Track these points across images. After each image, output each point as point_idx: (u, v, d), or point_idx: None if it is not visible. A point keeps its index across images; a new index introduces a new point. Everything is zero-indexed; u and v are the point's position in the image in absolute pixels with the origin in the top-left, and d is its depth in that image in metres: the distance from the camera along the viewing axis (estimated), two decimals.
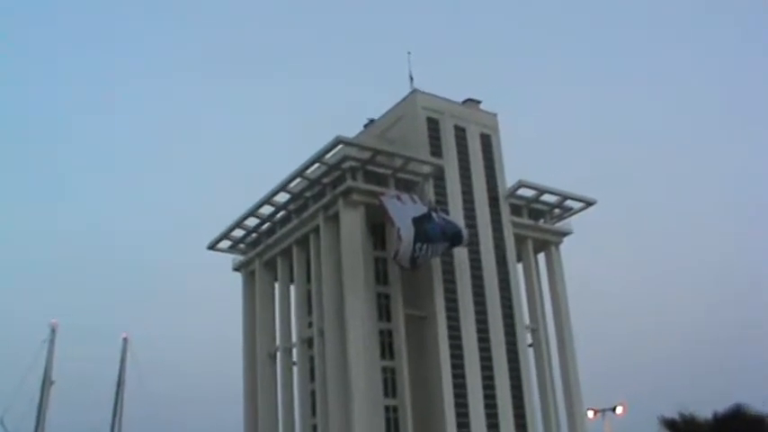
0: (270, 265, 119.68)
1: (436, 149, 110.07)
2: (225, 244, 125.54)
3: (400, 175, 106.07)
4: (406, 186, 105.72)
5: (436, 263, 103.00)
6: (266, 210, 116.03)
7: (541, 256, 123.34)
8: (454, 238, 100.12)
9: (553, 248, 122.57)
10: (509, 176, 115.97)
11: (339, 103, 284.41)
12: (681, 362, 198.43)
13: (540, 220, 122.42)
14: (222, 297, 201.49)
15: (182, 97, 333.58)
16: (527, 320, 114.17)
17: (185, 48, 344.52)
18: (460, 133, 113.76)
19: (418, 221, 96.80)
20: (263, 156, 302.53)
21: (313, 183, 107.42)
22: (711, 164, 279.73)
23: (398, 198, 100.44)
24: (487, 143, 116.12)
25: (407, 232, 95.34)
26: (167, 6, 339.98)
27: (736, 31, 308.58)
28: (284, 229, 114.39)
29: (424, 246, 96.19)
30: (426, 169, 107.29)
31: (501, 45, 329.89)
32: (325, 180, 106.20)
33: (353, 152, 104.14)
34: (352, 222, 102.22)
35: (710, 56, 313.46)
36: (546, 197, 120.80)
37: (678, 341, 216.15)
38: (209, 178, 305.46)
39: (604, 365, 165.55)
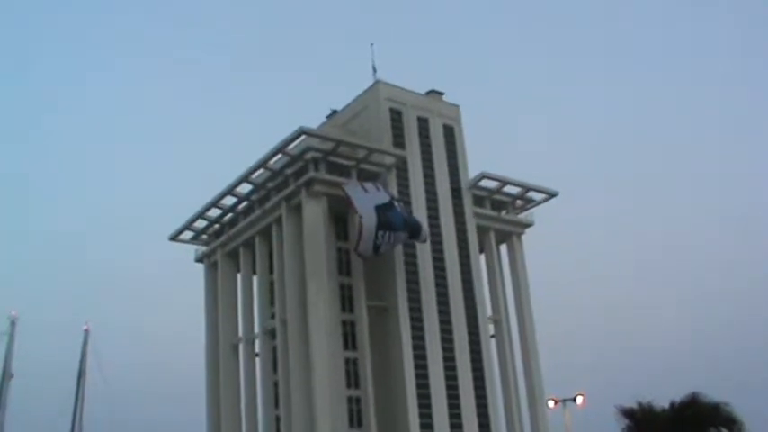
0: (232, 256, 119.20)
1: (399, 141, 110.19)
2: (187, 235, 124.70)
3: (363, 166, 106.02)
4: (369, 178, 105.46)
5: (399, 253, 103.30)
6: (229, 201, 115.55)
7: (503, 248, 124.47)
8: (413, 231, 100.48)
9: (515, 240, 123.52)
10: (472, 168, 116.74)
11: (302, 95, 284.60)
12: (644, 355, 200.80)
13: (502, 211, 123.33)
14: (184, 289, 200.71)
15: (143, 89, 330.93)
16: (489, 311, 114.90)
17: (148, 39, 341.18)
18: (423, 124, 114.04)
19: (381, 209, 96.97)
20: (226, 147, 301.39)
21: (276, 174, 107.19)
22: (682, 156, 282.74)
23: (362, 186, 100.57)
24: (450, 134, 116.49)
25: (370, 220, 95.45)
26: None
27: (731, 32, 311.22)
28: (247, 220, 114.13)
29: (387, 234, 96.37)
30: (389, 160, 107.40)
31: (463, 36, 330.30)
32: (288, 171, 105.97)
33: (316, 143, 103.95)
34: (315, 213, 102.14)
35: (677, 52, 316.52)
36: (508, 188, 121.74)
37: (643, 335, 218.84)
38: (170, 169, 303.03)
39: (565, 357, 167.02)
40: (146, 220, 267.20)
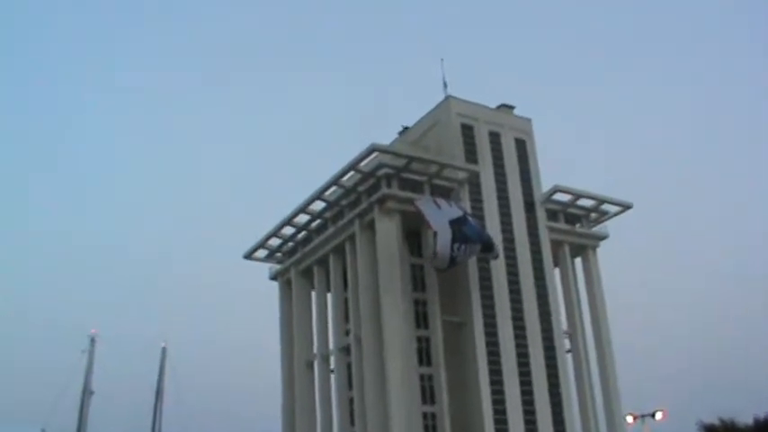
0: (306, 274, 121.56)
1: (471, 155, 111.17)
2: (261, 253, 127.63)
3: (435, 181, 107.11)
4: (442, 193, 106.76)
5: (473, 268, 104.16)
6: (302, 218, 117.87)
7: (578, 261, 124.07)
8: (486, 245, 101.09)
9: (590, 253, 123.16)
10: (544, 181, 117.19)
11: (373, 111, 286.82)
12: (722, 369, 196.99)
13: (576, 224, 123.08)
14: (259, 306, 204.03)
15: (211, 103, 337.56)
16: (565, 326, 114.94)
17: (216, 54, 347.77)
18: (495, 139, 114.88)
19: (455, 223, 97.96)
20: (299, 164, 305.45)
21: (348, 191, 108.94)
22: (752, 168, 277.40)
23: (435, 202, 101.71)
24: (522, 148, 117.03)
25: (445, 233, 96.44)
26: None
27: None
28: (320, 238, 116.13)
29: (462, 246, 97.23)
30: (461, 175, 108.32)
31: (534, 50, 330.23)
32: (361, 188, 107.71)
33: (388, 159, 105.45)
34: (388, 229, 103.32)
35: (739, 59, 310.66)
36: (582, 201, 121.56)
37: (718, 347, 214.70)
38: (245, 187, 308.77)
39: (643, 371, 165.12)
40: (224, 237, 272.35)
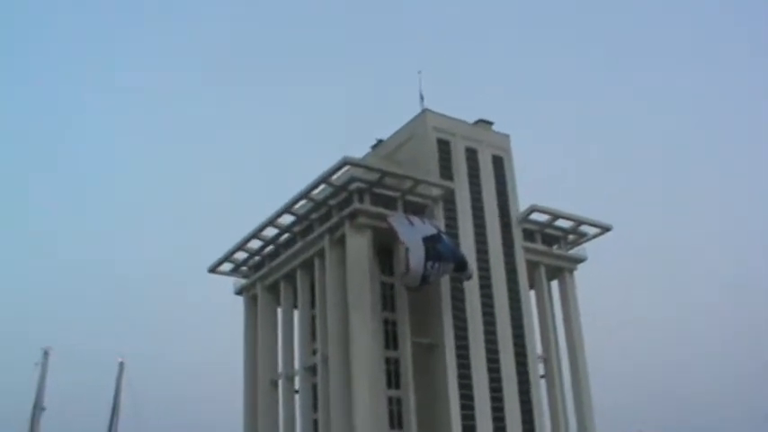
0: (273, 290, 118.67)
1: (446, 172, 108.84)
2: (227, 267, 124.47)
3: (409, 197, 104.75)
4: (415, 209, 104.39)
5: (445, 288, 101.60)
6: (270, 232, 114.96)
7: (554, 284, 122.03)
8: (460, 264, 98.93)
9: (567, 275, 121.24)
10: (522, 200, 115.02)
11: (345, 124, 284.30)
12: (700, 395, 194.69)
13: (553, 245, 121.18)
14: (223, 322, 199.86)
15: (182, 114, 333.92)
16: (539, 350, 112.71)
17: (187, 66, 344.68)
18: (472, 155, 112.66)
19: (429, 240, 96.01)
20: (268, 177, 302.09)
21: (319, 204, 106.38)
22: (733, 188, 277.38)
23: (408, 219, 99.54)
24: (499, 165, 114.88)
25: (418, 250, 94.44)
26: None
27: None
28: (288, 252, 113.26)
29: (436, 264, 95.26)
30: (436, 192, 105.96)
31: (514, 64, 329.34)
32: (332, 202, 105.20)
33: (361, 173, 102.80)
34: (359, 246, 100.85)
35: (721, 72, 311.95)
36: (560, 222, 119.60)
37: (697, 372, 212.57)
38: (210, 199, 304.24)
39: (619, 398, 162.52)
40: (186, 251, 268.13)
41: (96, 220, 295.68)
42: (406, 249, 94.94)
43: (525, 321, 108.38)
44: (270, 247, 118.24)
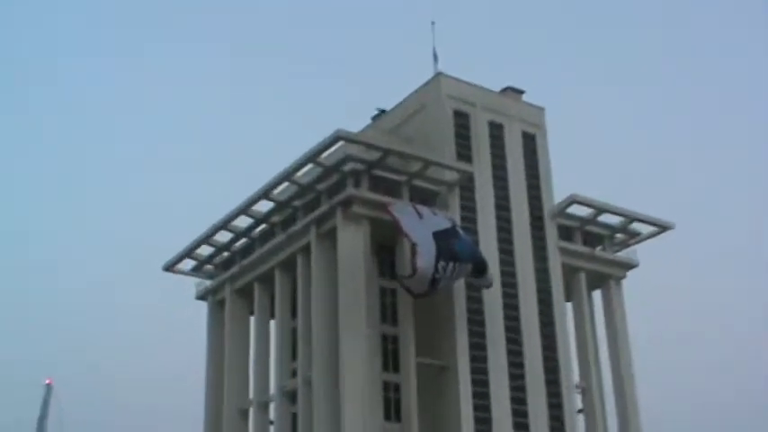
0: (245, 294, 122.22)
1: (465, 151, 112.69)
2: (188, 264, 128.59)
3: (417, 182, 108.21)
4: (425, 198, 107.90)
5: (460, 298, 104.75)
6: (243, 222, 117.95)
7: (597, 294, 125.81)
8: (479, 266, 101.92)
9: (613, 284, 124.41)
10: (558, 190, 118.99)
11: (341, 90, 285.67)
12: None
13: (597, 247, 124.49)
14: (181, 334, 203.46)
15: (136, 78, 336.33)
16: (577, 378, 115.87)
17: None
18: (497, 131, 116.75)
19: (441, 236, 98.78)
20: (243, 154, 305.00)
21: (304, 189, 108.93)
22: None
23: (415, 209, 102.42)
24: (531, 145, 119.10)
25: (428, 247, 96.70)
26: None
27: None
28: (265, 248, 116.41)
29: (449, 264, 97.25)
30: (451, 177, 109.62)
31: (551, 19, 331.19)
32: (321, 186, 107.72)
33: (357, 151, 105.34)
34: (353, 241, 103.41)
35: None
36: (605, 217, 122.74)
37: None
38: (172, 179, 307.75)
39: (674, 427, 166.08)
40: (137, 243, 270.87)
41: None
42: (413, 246, 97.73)
43: (560, 341, 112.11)
44: (242, 241, 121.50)
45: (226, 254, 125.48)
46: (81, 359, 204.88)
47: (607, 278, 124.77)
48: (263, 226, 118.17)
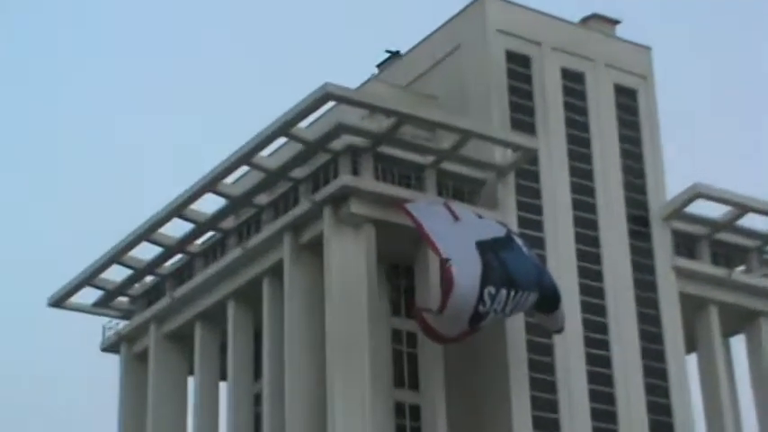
0: (180, 341, 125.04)
1: (524, 117, 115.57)
2: (88, 296, 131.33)
3: (449, 166, 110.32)
4: (460, 191, 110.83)
5: (517, 344, 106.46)
6: (176, 229, 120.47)
7: (738, 341, 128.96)
8: (549, 297, 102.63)
9: (763, 323, 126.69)
10: (671, 176, 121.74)
11: (332, 23, 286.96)
12: None
13: (736, 267, 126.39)
14: (76, 404, 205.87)
15: None
16: None
17: None
18: (574, 83, 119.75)
19: (488, 249, 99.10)
20: (187, 123, 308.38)
21: (272, 177, 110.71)
22: None
23: (447, 208, 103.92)
24: (630, 107, 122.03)
25: (467, 266, 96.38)
26: None
27: None
28: (212, 269, 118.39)
29: (501, 292, 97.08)
30: (502, 157, 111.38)
31: None
32: (298, 172, 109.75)
33: (356, 119, 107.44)
34: (350, 258, 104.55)
35: None
36: (748, 220, 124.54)
37: None
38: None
39: None
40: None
41: None
42: (443, 263, 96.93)
43: (677, 411, 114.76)
44: (176, 259, 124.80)
45: (150, 279, 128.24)
46: None
47: (755, 317, 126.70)
48: (208, 234, 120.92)
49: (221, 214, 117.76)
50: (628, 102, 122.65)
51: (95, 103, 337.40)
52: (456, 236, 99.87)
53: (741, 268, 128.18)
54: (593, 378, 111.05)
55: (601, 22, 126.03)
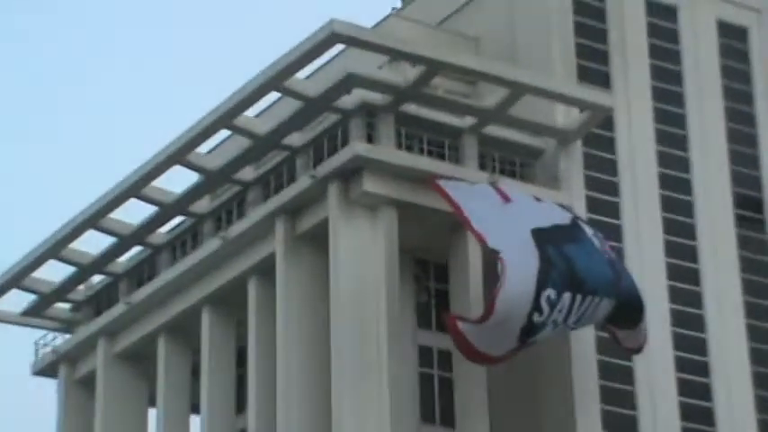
0: (138, 362, 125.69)
1: (596, 66, 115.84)
2: (17, 302, 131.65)
3: (493, 131, 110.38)
4: (511, 164, 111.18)
5: (584, 364, 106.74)
6: (133, 214, 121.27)
7: None
8: (627, 305, 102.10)
9: None
10: None
11: None
12: None
13: None
14: None
15: None
16: None
17: None
18: (663, 19, 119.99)
19: (548, 240, 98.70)
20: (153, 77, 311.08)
21: (262, 144, 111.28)
22: None
23: (494, 187, 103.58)
24: (738, 50, 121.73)
25: (519, 261, 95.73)
26: None
27: None
28: (181, 265, 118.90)
29: (566, 297, 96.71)
30: (567, 120, 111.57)
31: None
32: (295, 138, 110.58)
33: (370, 67, 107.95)
34: (365, 251, 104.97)
35: None
36: None
37: None
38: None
39: None
40: None
41: None
42: (493, 255, 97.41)
43: None
44: (135, 253, 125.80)
45: (99, 279, 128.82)
46: None
47: None
48: (177, 220, 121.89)
49: (193, 194, 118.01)
50: (736, 44, 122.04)
51: None
52: (505, 222, 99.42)
53: None
54: (685, 409, 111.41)
55: None
